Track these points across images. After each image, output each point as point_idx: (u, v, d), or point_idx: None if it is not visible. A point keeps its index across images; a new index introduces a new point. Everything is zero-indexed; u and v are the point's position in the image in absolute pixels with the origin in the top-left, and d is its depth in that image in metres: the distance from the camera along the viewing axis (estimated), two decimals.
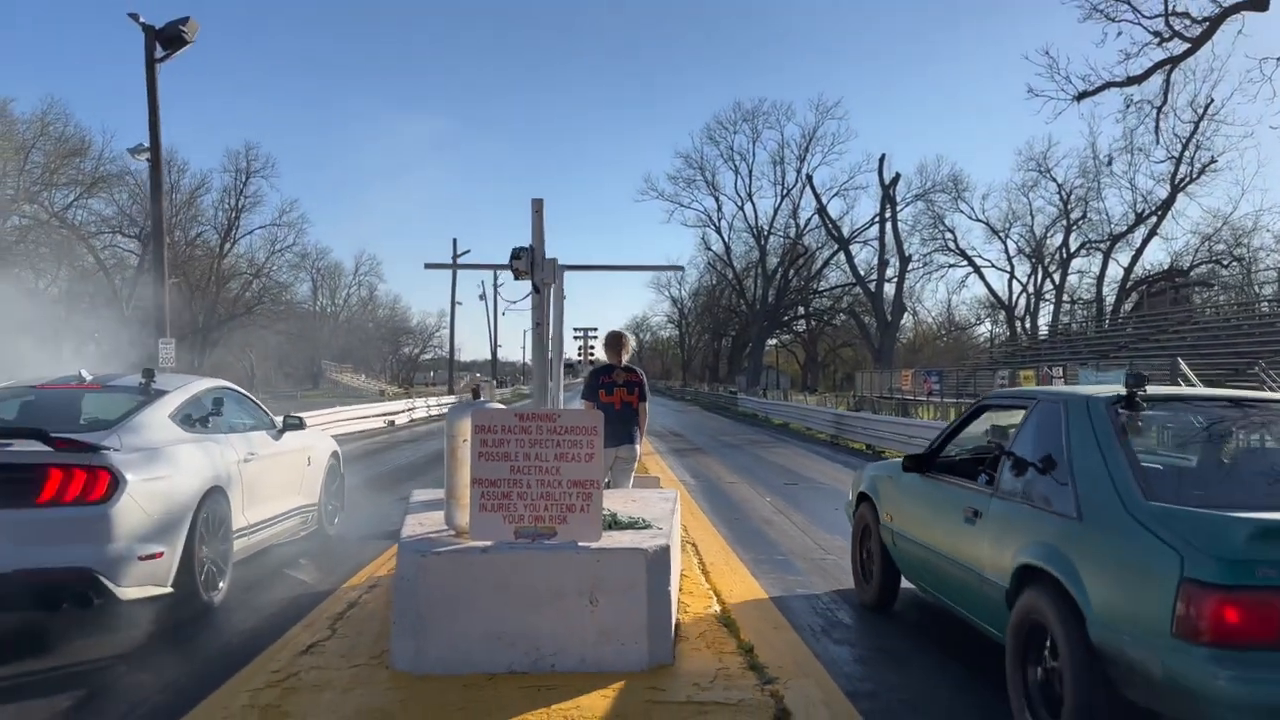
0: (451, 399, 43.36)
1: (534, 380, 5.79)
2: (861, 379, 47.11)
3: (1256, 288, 47.70)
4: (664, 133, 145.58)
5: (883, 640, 5.59)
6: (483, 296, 64.50)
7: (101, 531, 4.90)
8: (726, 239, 68.95)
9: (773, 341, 78.14)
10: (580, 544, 4.69)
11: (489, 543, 4.68)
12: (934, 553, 5.15)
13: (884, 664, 5.11)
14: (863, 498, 6.46)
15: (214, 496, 5.84)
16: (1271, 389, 19.70)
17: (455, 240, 52.99)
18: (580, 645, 4.59)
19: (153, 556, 5.15)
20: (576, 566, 4.63)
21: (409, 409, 32.51)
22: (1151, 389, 4.30)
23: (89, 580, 4.87)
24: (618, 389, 7.02)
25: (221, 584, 5.98)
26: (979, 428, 5.69)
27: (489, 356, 78.83)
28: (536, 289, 5.34)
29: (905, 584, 6.01)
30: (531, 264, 5.23)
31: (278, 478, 7.07)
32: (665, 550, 4.86)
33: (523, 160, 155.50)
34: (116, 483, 4.97)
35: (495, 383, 69.95)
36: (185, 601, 5.57)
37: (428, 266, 8.10)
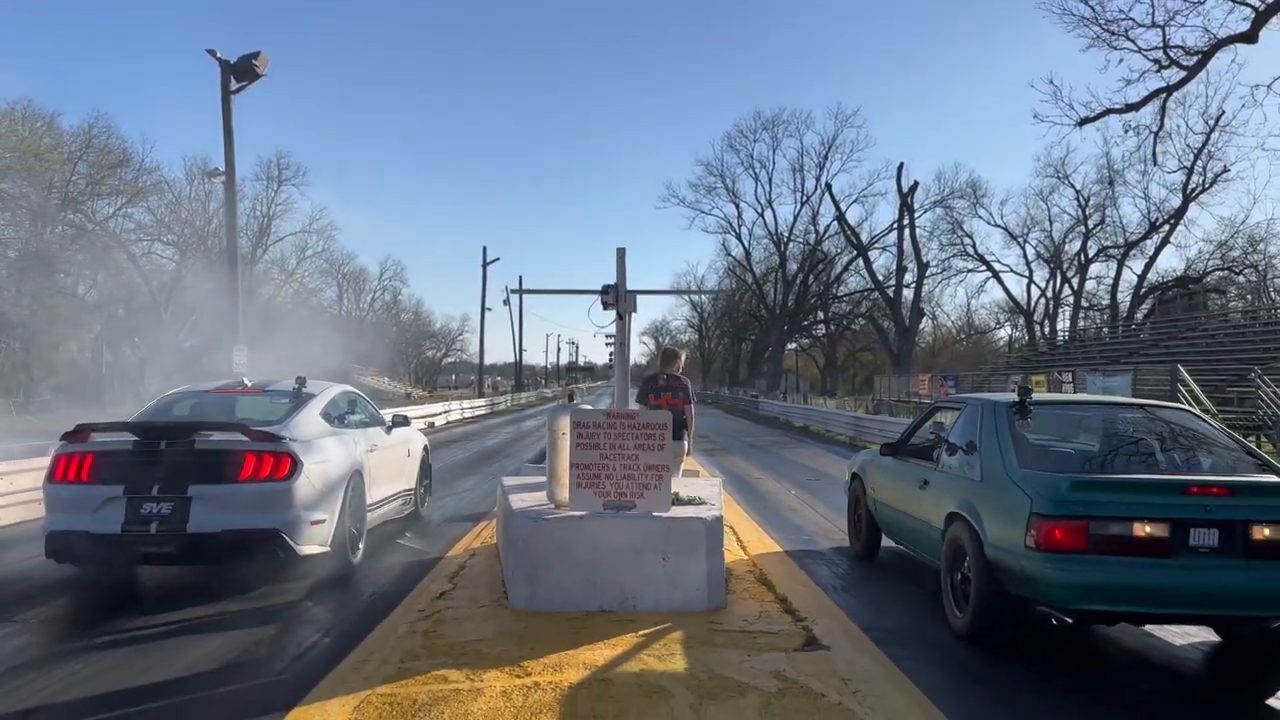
0: (481, 402, 44.93)
1: (616, 386, 7.18)
2: (880, 383, 48.24)
3: (1273, 294, 48.49)
4: (686, 140, 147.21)
5: (886, 595, 6.97)
6: (506, 302, 65.73)
7: (286, 502, 6.39)
8: (747, 245, 70.34)
9: (792, 346, 79.33)
10: (654, 514, 6.07)
11: (584, 512, 6.08)
12: (901, 512, 7.18)
13: (887, 610, 6.48)
14: (854, 476, 8.48)
15: (355, 477, 7.32)
16: (1265, 396, 20.79)
17: (485, 248, 54.37)
18: (655, 591, 5.96)
19: (319, 522, 6.64)
20: (652, 531, 6.01)
21: (445, 411, 34.05)
22: (1036, 396, 6.36)
23: (277, 540, 6.36)
24: (664, 393, 8.44)
25: (360, 546, 7.46)
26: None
27: (509, 359, 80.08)
28: (620, 316, 6.74)
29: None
30: (617, 298, 6.64)
31: (389, 466, 8.55)
32: (719, 520, 6.26)
33: (544, 164, 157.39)
34: (296, 465, 6.44)
35: (513, 384, 71.47)
36: (335, 560, 7.05)
37: (514, 292, 9.53)
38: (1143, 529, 4.89)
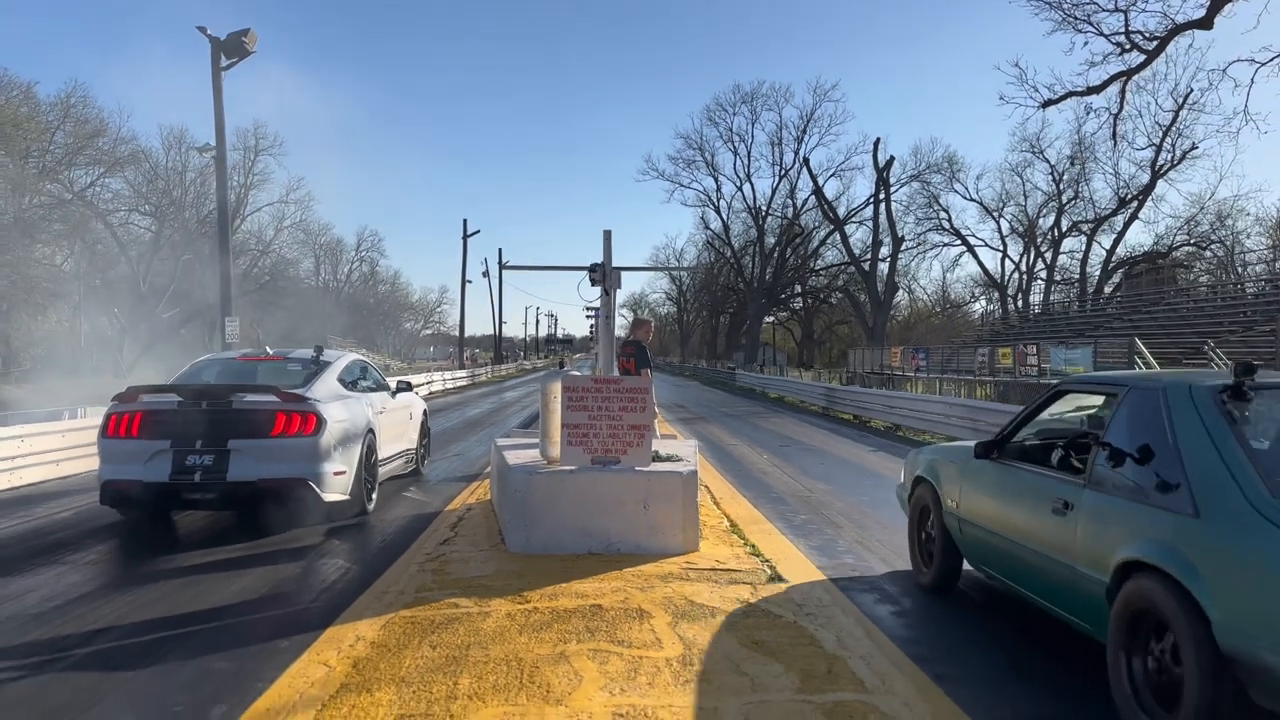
0: (462, 373, 45.57)
1: (600, 355, 7.93)
2: (854, 356, 49.14)
3: (1240, 269, 49.77)
4: (665, 114, 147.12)
5: (842, 540, 7.74)
6: (486, 274, 66.11)
7: (313, 455, 7.24)
8: (725, 218, 70.93)
9: (770, 319, 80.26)
10: (637, 468, 6.83)
11: (574, 467, 6.82)
12: (1012, 542, 4.95)
13: (843, 554, 7.26)
14: (919, 481, 6.35)
15: (369, 435, 8.18)
16: (1216, 367, 21.81)
17: (465, 221, 54.76)
18: (636, 536, 6.73)
19: (341, 473, 7.52)
20: (634, 484, 6.76)
21: (428, 382, 34.64)
22: (1261, 377, 4.00)
23: (305, 488, 7.24)
24: (621, 359, 9.22)
25: (374, 497, 8.37)
26: (1057, 410, 5.62)
27: (489, 331, 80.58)
28: (606, 292, 7.48)
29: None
30: (603, 275, 7.38)
31: (395, 426, 9.41)
32: (694, 474, 7.03)
33: (524, 137, 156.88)
34: (321, 422, 7.28)
35: (493, 357, 72.05)
36: (354, 506, 7.95)
37: (505, 268, 10.21)
38: None
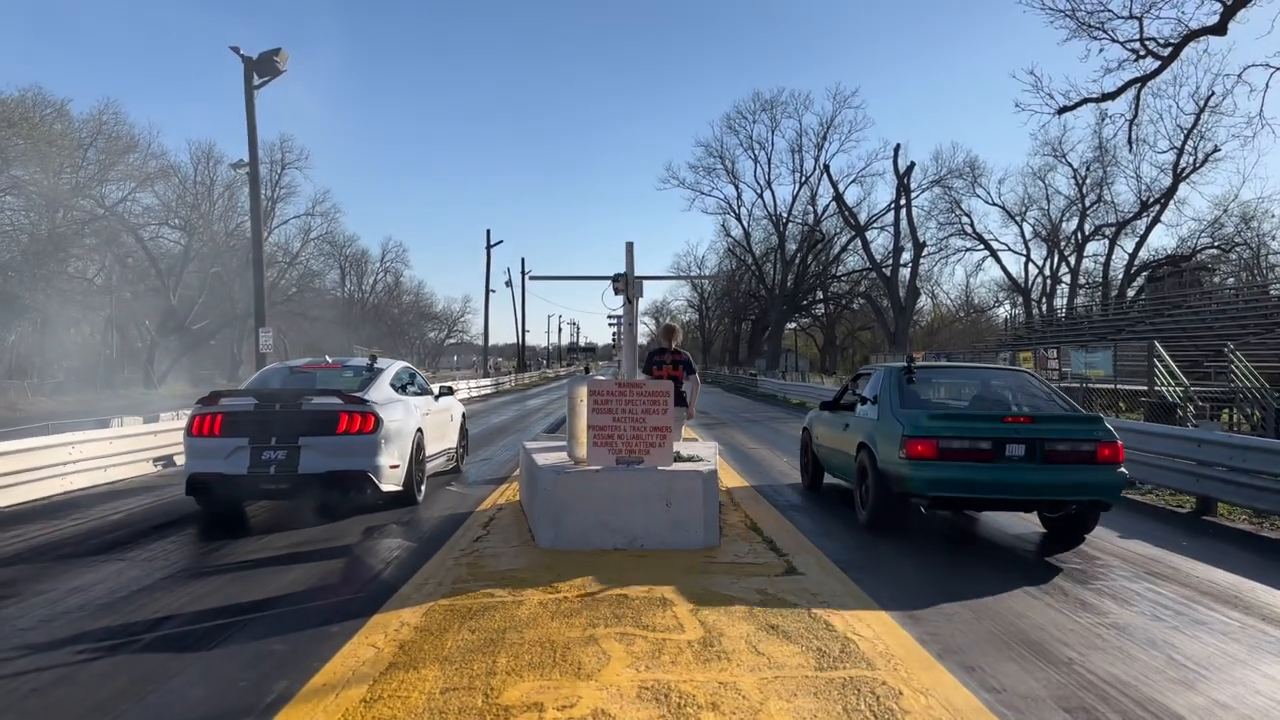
0: (486, 382, 46.12)
1: (624, 361, 8.31)
2: (876, 361, 49.27)
3: (1265, 270, 49.37)
4: (686, 122, 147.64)
5: (854, 541, 8.06)
6: (509, 284, 66.76)
7: (372, 450, 8.06)
8: (746, 225, 71.08)
9: (792, 325, 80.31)
10: (659, 468, 7.18)
11: (600, 466, 7.19)
12: (831, 449, 9.85)
13: (856, 550, 7.58)
14: (804, 429, 11.38)
15: (418, 434, 8.98)
16: (1237, 371, 21.85)
17: (489, 231, 55.41)
18: (659, 532, 7.08)
19: (395, 467, 8.33)
20: (657, 482, 7.12)
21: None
22: (919, 363, 9.16)
23: (366, 479, 8.03)
24: (665, 366, 9.55)
25: (422, 488, 9.14)
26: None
27: (511, 340, 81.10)
28: (629, 300, 7.85)
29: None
30: (626, 284, 7.77)
31: (439, 427, 10.23)
32: (714, 474, 7.37)
33: (546, 147, 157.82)
34: (379, 422, 8.11)
35: (516, 365, 72.58)
36: (405, 497, 8.76)
37: (532, 278, 10.81)
38: (974, 444, 7.44)
